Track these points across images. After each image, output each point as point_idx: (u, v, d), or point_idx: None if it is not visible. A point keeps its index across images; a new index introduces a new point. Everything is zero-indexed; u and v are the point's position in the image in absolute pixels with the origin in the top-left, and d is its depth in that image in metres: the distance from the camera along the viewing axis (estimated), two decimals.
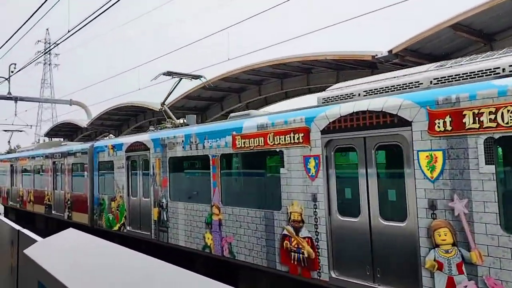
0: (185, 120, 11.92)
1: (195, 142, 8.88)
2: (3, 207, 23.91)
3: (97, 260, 2.02)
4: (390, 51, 12.40)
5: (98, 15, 11.67)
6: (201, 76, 13.35)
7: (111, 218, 12.02)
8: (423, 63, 13.34)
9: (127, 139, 11.65)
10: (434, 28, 11.28)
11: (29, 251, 2.48)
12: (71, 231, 2.75)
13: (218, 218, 8.18)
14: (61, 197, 15.57)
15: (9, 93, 27.33)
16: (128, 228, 11.06)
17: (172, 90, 13.53)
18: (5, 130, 27.34)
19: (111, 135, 16.51)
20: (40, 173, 17.97)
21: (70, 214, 14.71)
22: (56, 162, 16.26)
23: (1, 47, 18.24)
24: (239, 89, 20.96)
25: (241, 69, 17.41)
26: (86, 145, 13.76)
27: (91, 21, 12.14)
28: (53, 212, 16.28)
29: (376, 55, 12.81)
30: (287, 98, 21.73)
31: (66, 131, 37.88)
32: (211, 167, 8.36)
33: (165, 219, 9.72)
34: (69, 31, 12.24)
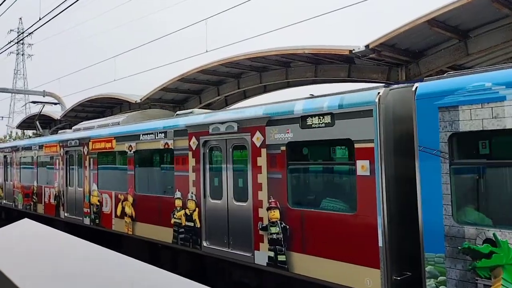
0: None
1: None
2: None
3: (44, 251, 1.92)
4: (367, 46, 12.44)
5: (71, 4, 11.33)
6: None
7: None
8: (400, 58, 13.49)
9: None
10: (410, 23, 11.36)
11: None
12: (26, 221, 2.62)
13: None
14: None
15: None
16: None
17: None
18: None
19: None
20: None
21: None
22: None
23: None
24: (217, 82, 20.75)
25: (219, 61, 17.21)
26: None
27: (64, 10, 11.77)
28: None
29: (353, 50, 12.84)
30: (266, 91, 21.66)
31: (39, 123, 36.84)
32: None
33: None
34: (40, 19, 11.83)
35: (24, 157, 17.84)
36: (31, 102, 20.32)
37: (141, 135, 10.97)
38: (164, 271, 1.50)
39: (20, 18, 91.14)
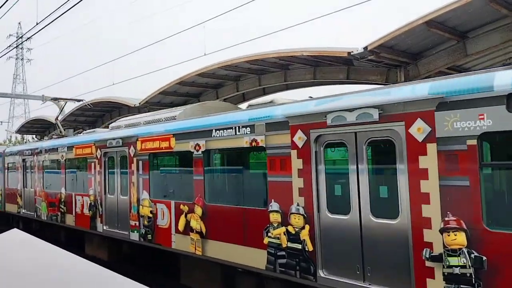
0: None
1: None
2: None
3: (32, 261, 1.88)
4: (365, 48, 12.43)
5: (70, 8, 11.31)
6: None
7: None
8: (398, 59, 13.47)
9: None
10: (409, 24, 11.35)
11: None
12: (15, 231, 2.57)
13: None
14: None
15: None
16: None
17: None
18: None
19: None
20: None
21: None
22: None
23: None
24: (216, 85, 20.73)
25: (217, 64, 17.19)
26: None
27: (62, 14, 11.75)
28: None
29: (352, 52, 12.83)
30: (265, 94, 21.65)
31: (38, 127, 36.83)
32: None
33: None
34: (37, 24, 11.81)
35: (48, 160, 15.36)
36: (52, 99, 17.23)
37: (213, 130, 8.66)
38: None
39: (19, 23, 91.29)
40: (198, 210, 8.93)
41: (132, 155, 10.90)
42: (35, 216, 16.08)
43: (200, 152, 9.00)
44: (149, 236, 10.22)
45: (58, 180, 14.50)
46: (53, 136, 17.10)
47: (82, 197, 12.96)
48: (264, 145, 7.67)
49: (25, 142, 31.89)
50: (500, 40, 11.61)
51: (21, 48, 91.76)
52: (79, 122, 30.14)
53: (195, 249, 8.99)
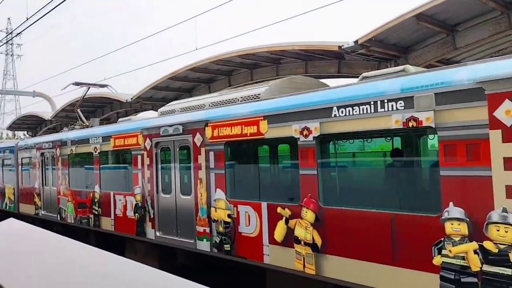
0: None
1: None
2: None
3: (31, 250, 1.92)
4: (356, 41, 12.51)
5: (58, 4, 11.26)
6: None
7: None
8: (389, 53, 13.58)
9: None
10: (398, 18, 11.45)
11: None
12: (12, 221, 2.62)
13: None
14: None
15: None
16: None
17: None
18: None
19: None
20: None
21: None
22: None
23: None
24: (208, 79, 20.73)
25: (209, 59, 17.20)
26: None
27: (51, 10, 11.70)
28: None
29: (343, 46, 12.91)
30: None
31: (29, 123, 36.60)
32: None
33: None
34: (27, 19, 11.74)
35: (76, 153, 13.04)
36: (74, 84, 14.54)
37: (335, 108, 6.39)
38: (158, 270, 1.44)
39: (9, 18, 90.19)
40: (309, 215, 6.73)
41: (198, 145, 8.67)
42: (59, 219, 13.79)
43: (311, 138, 6.75)
44: (227, 246, 8.02)
45: (90, 177, 12.31)
46: (75, 127, 14.53)
47: (125, 197, 10.68)
48: (433, 125, 5.41)
49: (17, 139, 31.31)
50: (489, 33, 11.75)
51: (11, 44, 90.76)
52: (71, 118, 29.98)
53: (304, 266, 6.80)
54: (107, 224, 11.36)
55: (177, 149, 9.30)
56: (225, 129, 8.13)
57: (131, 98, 22.33)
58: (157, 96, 22.44)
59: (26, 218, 15.82)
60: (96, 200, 11.87)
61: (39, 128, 36.75)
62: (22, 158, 16.72)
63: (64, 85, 15.80)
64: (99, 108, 28.46)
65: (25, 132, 41.11)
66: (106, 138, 11.49)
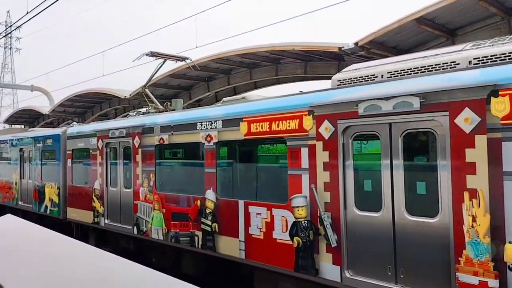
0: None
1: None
2: None
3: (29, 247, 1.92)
4: (356, 43, 12.53)
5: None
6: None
7: None
8: (388, 56, 13.58)
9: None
10: (399, 21, 11.48)
11: None
12: (9, 217, 2.60)
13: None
14: None
15: None
16: None
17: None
18: None
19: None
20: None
21: None
22: None
23: None
24: (207, 78, 20.72)
25: (209, 57, 17.18)
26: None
27: (51, 4, 11.65)
28: None
29: (343, 47, 12.92)
30: (256, 88, 21.69)
31: (27, 117, 36.52)
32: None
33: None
34: (27, 13, 11.69)
35: (169, 144, 9.45)
36: (148, 54, 10.95)
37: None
38: (153, 270, 1.44)
39: (8, 11, 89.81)
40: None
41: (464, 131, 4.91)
42: (135, 232, 10.15)
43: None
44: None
45: (195, 177, 8.98)
46: (149, 111, 11.40)
47: (270, 211, 6.98)
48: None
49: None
50: (488, 38, 11.78)
51: (10, 37, 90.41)
52: (69, 113, 29.94)
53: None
54: (231, 247, 7.74)
55: (401, 137, 5.56)
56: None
57: (130, 95, 22.29)
58: (156, 93, 22.34)
59: (79, 227, 12.89)
60: (206, 212, 8.28)
61: (37, 122, 36.67)
62: (73, 150, 13.42)
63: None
64: (97, 104, 28.41)
65: (22, 126, 41.00)
66: (229, 122, 7.88)
